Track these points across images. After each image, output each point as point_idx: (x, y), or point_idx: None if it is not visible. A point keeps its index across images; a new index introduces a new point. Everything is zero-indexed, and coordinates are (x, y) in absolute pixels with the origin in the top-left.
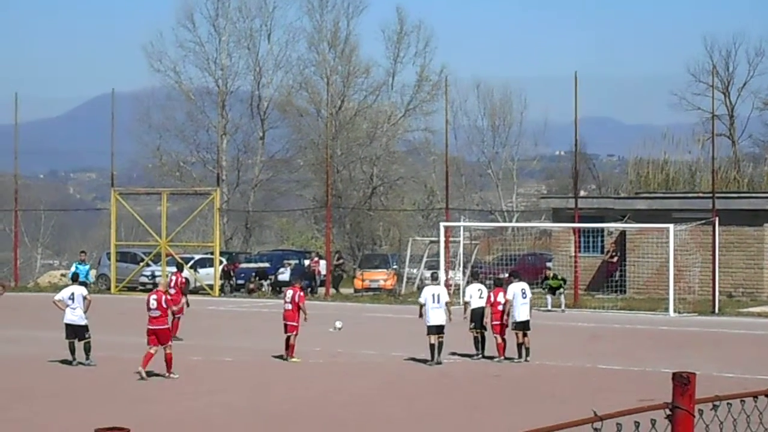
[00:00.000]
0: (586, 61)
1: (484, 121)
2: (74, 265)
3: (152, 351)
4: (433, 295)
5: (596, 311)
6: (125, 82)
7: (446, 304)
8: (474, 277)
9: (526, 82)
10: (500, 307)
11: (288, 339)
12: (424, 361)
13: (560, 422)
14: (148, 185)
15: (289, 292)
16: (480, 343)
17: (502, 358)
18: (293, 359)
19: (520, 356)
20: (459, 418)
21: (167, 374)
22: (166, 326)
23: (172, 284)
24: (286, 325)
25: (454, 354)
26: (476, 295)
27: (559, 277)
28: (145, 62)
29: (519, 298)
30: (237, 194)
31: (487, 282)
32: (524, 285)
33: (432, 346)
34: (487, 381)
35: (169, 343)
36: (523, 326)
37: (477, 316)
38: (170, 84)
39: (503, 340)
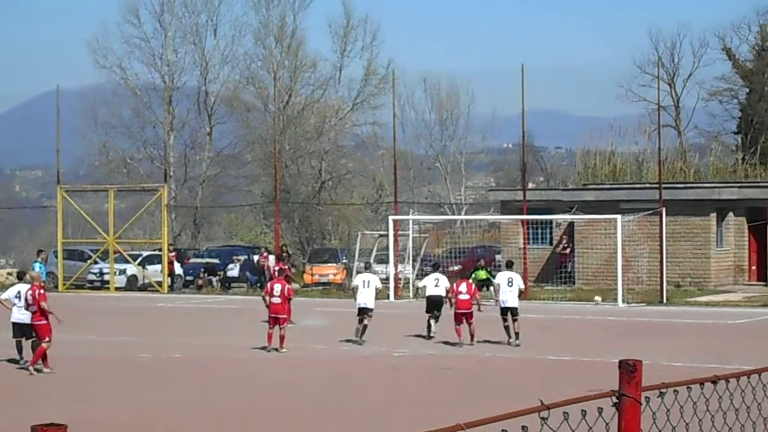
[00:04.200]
0: (533, 54)
1: (432, 115)
2: (36, 264)
3: (44, 345)
4: (363, 281)
5: (546, 303)
6: (71, 79)
7: (375, 289)
8: (434, 267)
9: (473, 75)
10: (461, 297)
11: (273, 332)
12: (376, 355)
13: (507, 412)
14: (94, 182)
15: (277, 286)
16: (429, 327)
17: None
18: (283, 350)
19: (509, 338)
20: (408, 410)
21: (33, 367)
22: (43, 322)
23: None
24: (276, 318)
25: (409, 344)
26: (432, 284)
27: (489, 271)
28: (90, 58)
29: (504, 285)
30: (185, 190)
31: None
32: (511, 274)
33: (357, 329)
34: (437, 374)
35: (48, 338)
36: (510, 312)
37: (432, 303)
38: (116, 80)
39: (462, 325)
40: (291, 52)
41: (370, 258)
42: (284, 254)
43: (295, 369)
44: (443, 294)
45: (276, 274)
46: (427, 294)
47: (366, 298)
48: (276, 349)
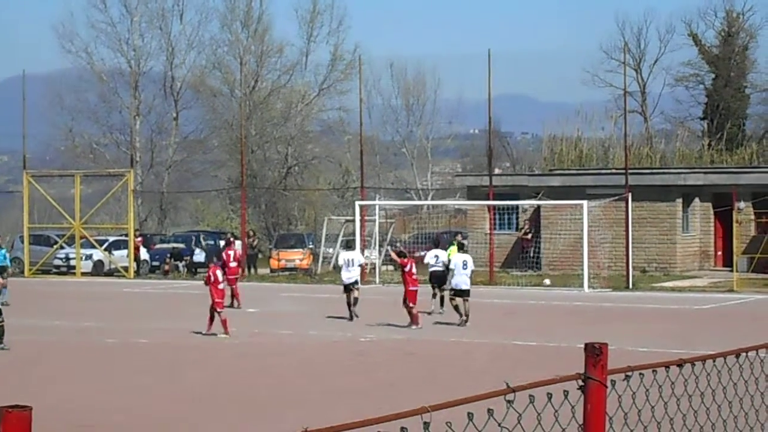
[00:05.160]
0: (500, 39)
1: (398, 100)
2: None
3: None
4: (346, 260)
5: (511, 288)
6: (36, 64)
7: (360, 266)
8: (435, 244)
9: (439, 60)
10: (414, 277)
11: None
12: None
13: (473, 395)
14: (61, 167)
15: (219, 272)
16: (441, 299)
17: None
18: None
19: (461, 317)
20: (375, 395)
21: None
22: None
23: None
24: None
25: (372, 332)
26: (433, 260)
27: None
28: (56, 43)
29: (459, 268)
30: (151, 176)
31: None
32: (466, 257)
33: (348, 303)
34: (402, 358)
35: None
36: (463, 293)
37: (434, 277)
38: (82, 65)
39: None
40: (257, 38)
41: (336, 243)
42: (252, 239)
43: (261, 355)
44: (443, 269)
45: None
46: (430, 269)
47: (351, 275)
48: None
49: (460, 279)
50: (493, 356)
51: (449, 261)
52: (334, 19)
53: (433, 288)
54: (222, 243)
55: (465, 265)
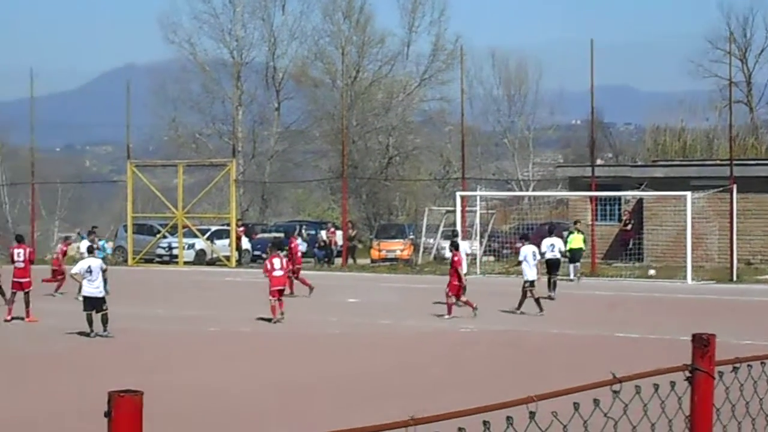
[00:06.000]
0: (602, 29)
1: (500, 90)
2: (102, 242)
3: None
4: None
5: (613, 279)
6: (141, 55)
7: (465, 255)
8: (550, 232)
9: (541, 50)
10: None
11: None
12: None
13: (578, 385)
14: (164, 157)
15: (277, 261)
16: (554, 284)
17: (451, 316)
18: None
19: (540, 310)
20: (476, 385)
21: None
22: None
23: None
24: (281, 291)
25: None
26: (549, 249)
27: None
28: (160, 34)
29: (530, 259)
30: (253, 165)
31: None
32: (534, 248)
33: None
34: (503, 349)
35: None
36: (532, 284)
37: (550, 265)
38: (185, 56)
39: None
40: (359, 28)
41: (436, 234)
42: (351, 230)
43: (360, 345)
44: (559, 257)
45: (270, 250)
46: (546, 258)
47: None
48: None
49: (530, 271)
50: (595, 348)
51: (566, 246)
52: (435, 9)
53: (549, 275)
54: (323, 233)
55: (534, 255)
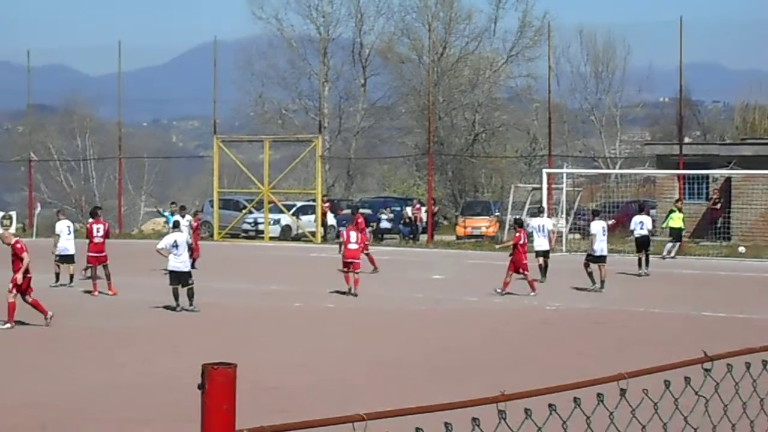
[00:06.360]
0: (692, 5)
1: (587, 68)
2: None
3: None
4: (538, 226)
5: (701, 258)
6: (228, 30)
7: (549, 232)
8: (639, 210)
9: (629, 27)
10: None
11: (350, 276)
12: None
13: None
14: (250, 133)
15: (353, 234)
16: (646, 261)
17: (533, 293)
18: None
19: (593, 284)
20: (563, 362)
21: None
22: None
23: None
24: (351, 263)
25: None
26: (638, 227)
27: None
28: (247, 10)
29: (600, 234)
30: (339, 142)
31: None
32: (604, 223)
33: (540, 266)
34: (590, 327)
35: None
36: (602, 260)
37: (641, 243)
38: (272, 31)
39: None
40: (446, 4)
41: (522, 211)
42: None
43: (446, 321)
44: (647, 234)
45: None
46: (635, 235)
47: (541, 242)
48: (352, 292)
49: (598, 246)
50: (683, 327)
51: (665, 224)
52: None
53: (639, 252)
54: (409, 210)
55: (604, 231)
